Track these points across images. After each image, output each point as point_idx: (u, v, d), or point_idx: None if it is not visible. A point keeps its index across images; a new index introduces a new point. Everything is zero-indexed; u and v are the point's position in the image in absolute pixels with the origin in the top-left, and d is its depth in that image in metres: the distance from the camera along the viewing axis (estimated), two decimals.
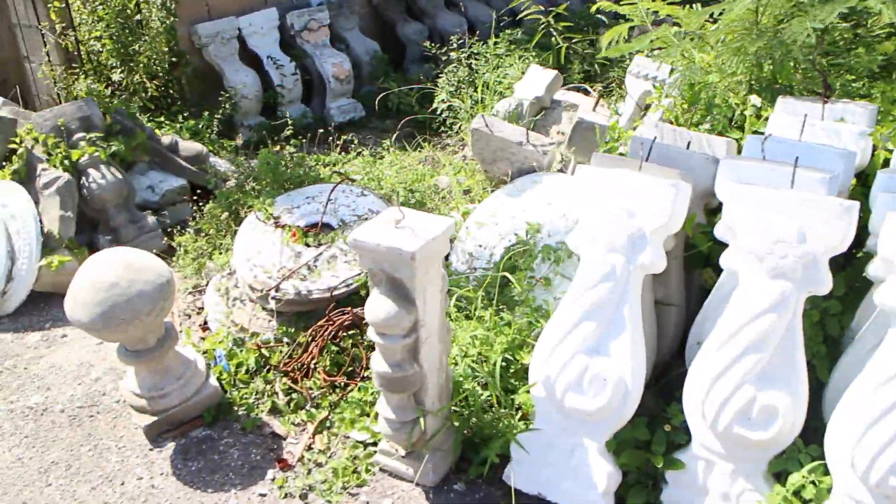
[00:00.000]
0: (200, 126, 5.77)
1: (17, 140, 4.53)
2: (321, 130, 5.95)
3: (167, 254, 4.68)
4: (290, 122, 6.32)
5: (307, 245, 3.83)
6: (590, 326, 2.81)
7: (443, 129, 6.09)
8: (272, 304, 3.63)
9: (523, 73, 5.67)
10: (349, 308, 3.60)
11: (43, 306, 4.41)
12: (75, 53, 5.84)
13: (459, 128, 5.83)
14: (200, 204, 4.70)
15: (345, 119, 6.63)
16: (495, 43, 6.29)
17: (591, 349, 2.82)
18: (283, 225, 3.92)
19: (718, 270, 3.11)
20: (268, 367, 3.60)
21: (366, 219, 3.93)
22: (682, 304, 3.31)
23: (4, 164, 4.63)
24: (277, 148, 4.64)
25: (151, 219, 4.74)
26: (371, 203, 4.05)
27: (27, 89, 5.68)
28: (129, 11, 5.94)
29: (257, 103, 6.38)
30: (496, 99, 5.56)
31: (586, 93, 5.76)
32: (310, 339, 3.59)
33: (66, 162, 4.54)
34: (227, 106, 6.04)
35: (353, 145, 5.94)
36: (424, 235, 2.61)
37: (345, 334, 3.57)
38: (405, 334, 2.74)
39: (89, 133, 4.69)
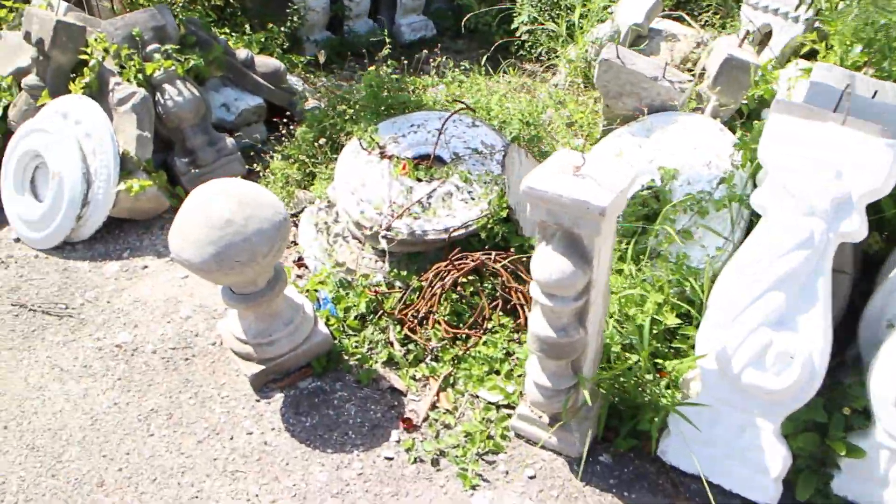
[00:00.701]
0: (269, 40, 5.26)
1: (88, 51, 4.07)
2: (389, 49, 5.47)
3: (248, 179, 4.27)
4: (360, 37, 5.88)
5: (419, 180, 3.43)
6: (778, 298, 2.44)
7: (522, 53, 5.61)
8: (383, 244, 3.25)
9: None
10: (472, 252, 3.22)
11: (118, 233, 4.04)
12: None
13: (546, 53, 5.35)
14: (286, 126, 4.27)
15: (415, 37, 6.12)
16: None
17: (776, 322, 2.45)
18: (389, 155, 3.51)
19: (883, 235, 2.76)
20: (380, 314, 3.24)
21: (480, 152, 3.52)
22: (852, 272, 2.94)
23: (73, 75, 4.18)
24: (373, 68, 4.15)
25: (230, 140, 4.32)
26: (484, 135, 3.63)
27: None
28: None
29: (324, 16, 5.86)
30: (591, 25, 5.06)
31: (684, 22, 5.25)
32: (426, 284, 3.23)
33: (140, 76, 4.09)
34: (295, 19, 5.52)
35: (426, 66, 5.46)
36: (611, 187, 2.21)
37: (465, 280, 3.20)
38: (577, 296, 2.38)
39: (163, 44, 4.22)
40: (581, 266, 2.30)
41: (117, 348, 3.33)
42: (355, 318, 3.25)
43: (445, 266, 3.20)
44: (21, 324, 3.54)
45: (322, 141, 3.84)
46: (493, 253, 3.22)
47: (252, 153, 4.52)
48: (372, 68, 4.14)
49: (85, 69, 4.04)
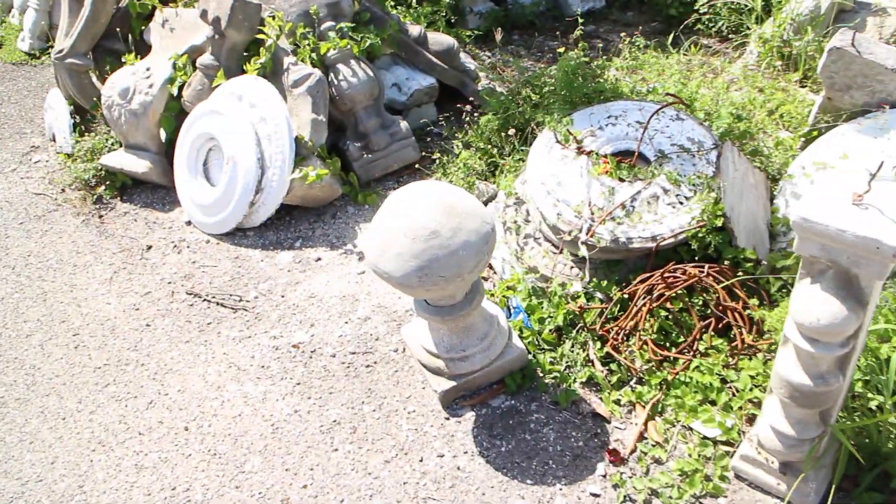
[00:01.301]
0: (434, 13, 4.96)
1: (265, 29, 3.89)
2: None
3: (421, 166, 4.04)
4: (524, 8, 5.52)
5: (621, 180, 3.08)
6: None
7: (700, 27, 5.12)
8: (584, 251, 2.94)
9: None
10: (681, 265, 2.88)
11: (289, 220, 3.89)
12: None
13: (729, 29, 4.85)
14: (469, 112, 3.99)
15: (584, 8, 5.68)
16: None
17: None
18: (587, 151, 3.17)
19: None
20: (578, 327, 2.94)
21: (688, 150, 3.14)
22: None
23: (247, 54, 4.01)
24: (564, 51, 3.80)
25: (404, 124, 4.07)
26: (690, 130, 3.24)
27: None
28: None
29: None
30: None
31: None
32: (629, 298, 2.90)
33: (314, 56, 3.88)
34: None
35: (593, 41, 5.08)
36: None
37: (673, 294, 2.86)
38: (843, 343, 2.01)
39: (338, 22, 4.00)
40: (855, 310, 1.93)
41: (294, 349, 3.18)
42: (551, 331, 2.97)
43: (659, 280, 2.86)
44: (197, 315, 3.44)
45: (511, 132, 3.54)
46: (706, 266, 2.86)
47: (426, 137, 4.27)
48: (562, 50, 3.79)
49: (261, 49, 3.87)
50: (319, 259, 3.64)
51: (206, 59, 4.00)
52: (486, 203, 3.66)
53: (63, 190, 4.44)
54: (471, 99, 4.37)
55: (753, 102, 3.60)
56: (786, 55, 4.32)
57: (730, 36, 4.87)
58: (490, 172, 3.75)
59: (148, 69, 4.17)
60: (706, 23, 5.05)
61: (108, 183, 4.32)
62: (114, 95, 4.17)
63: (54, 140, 4.87)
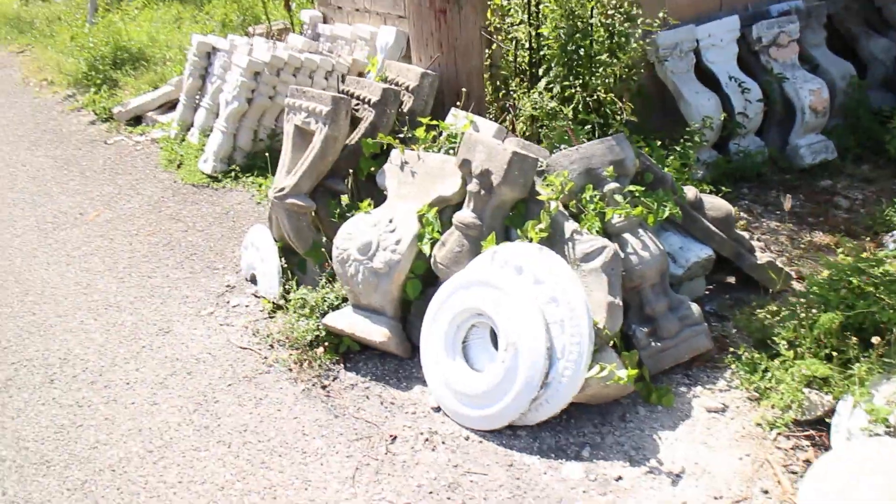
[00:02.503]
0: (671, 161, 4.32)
1: (544, 188, 3.25)
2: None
3: (712, 360, 3.31)
4: (750, 158, 4.88)
5: None
6: None
7: None
8: None
9: None
10: None
11: (568, 420, 3.15)
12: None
13: None
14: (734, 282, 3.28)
15: (815, 161, 5.03)
16: None
17: None
18: None
19: None
20: None
21: None
22: None
23: (510, 213, 3.37)
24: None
25: (695, 307, 3.37)
26: None
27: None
28: (578, 13, 4.56)
29: (716, 134, 4.90)
30: None
31: None
32: None
33: (598, 223, 3.22)
34: (692, 137, 4.57)
35: (835, 199, 4.40)
36: None
37: None
38: None
39: (621, 182, 3.35)
40: None
41: None
42: None
43: None
44: None
45: (875, 339, 2.79)
46: None
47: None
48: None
49: (542, 212, 3.22)
50: (620, 478, 2.87)
51: (466, 216, 3.36)
52: (816, 419, 2.90)
53: (272, 346, 3.77)
54: (747, 273, 3.67)
55: None
56: None
57: None
58: (821, 380, 2.99)
59: (391, 221, 3.54)
60: None
61: (326, 345, 3.64)
62: (351, 249, 3.54)
63: (253, 282, 4.25)
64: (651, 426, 3.11)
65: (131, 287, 4.40)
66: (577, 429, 3.11)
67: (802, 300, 3.22)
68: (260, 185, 5.33)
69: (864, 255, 3.20)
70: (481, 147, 3.36)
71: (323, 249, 3.93)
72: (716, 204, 3.73)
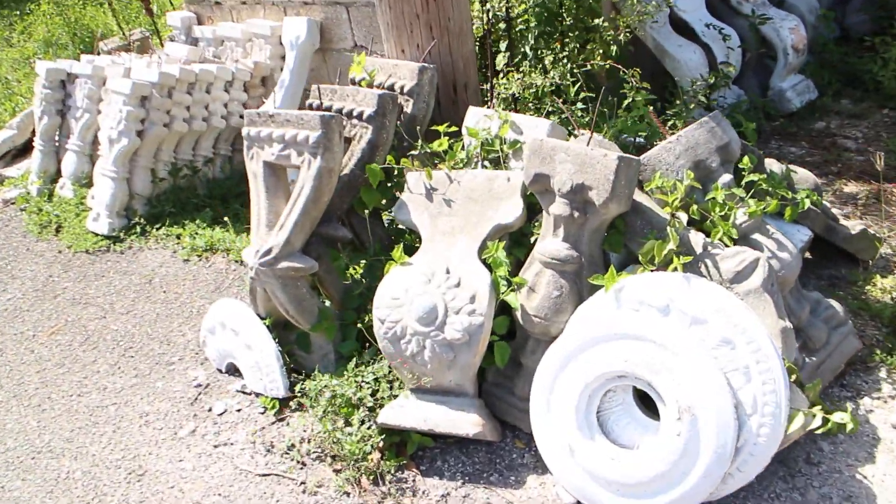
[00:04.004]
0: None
1: (666, 197, 2.48)
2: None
3: (861, 361, 2.73)
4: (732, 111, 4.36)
5: None
6: None
7: None
8: None
9: None
10: None
11: (751, 483, 2.42)
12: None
13: None
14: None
15: (802, 103, 4.58)
16: None
17: None
18: None
19: None
20: None
21: None
22: None
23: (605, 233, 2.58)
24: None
25: (835, 303, 2.75)
26: None
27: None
28: None
29: (702, 89, 4.31)
30: None
31: None
32: None
33: (733, 229, 2.50)
34: (695, 96, 3.98)
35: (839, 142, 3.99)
36: None
37: None
38: None
39: (726, 170, 2.65)
40: None
41: None
42: None
43: None
44: None
45: None
46: None
47: None
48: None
49: (668, 229, 2.44)
50: None
51: (558, 249, 2.52)
52: None
53: (302, 463, 2.76)
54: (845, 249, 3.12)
55: None
56: None
57: None
58: None
59: (448, 272, 2.63)
60: None
61: (381, 445, 2.69)
62: (406, 320, 2.59)
63: (231, 372, 3.20)
64: (846, 463, 2.46)
65: (57, 417, 3.17)
66: (766, 490, 2.40)
67: None
68: (178, 237, 4.15)
69: None
70: (564, 156, 2.51)
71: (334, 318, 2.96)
72: (802, 175, 3.12)
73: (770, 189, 2.67)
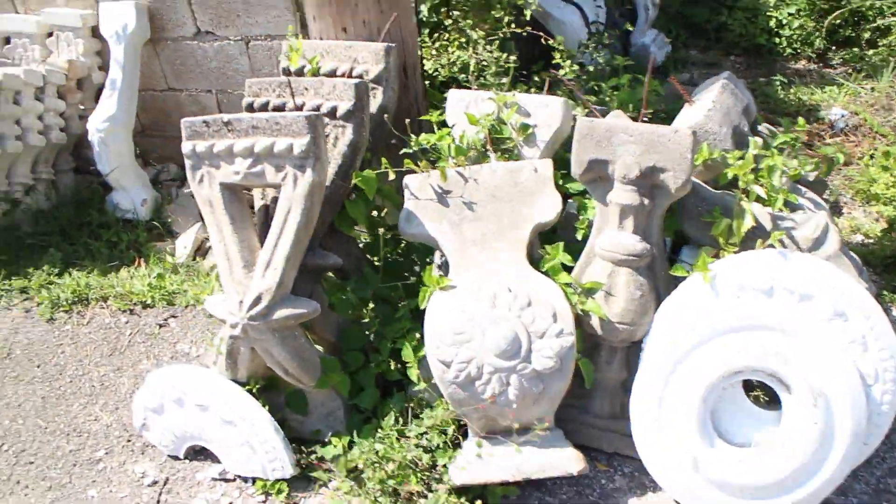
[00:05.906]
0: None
1: (738, 172, 2.25)
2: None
3: None
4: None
5: None
6: None
7: (790, 51, 4.51)
8: None
9: None
10: None
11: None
12: None
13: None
14: None
15: (664, 57, 4.63)
16: None
17: None
18: None
19: None
20: None
21: None
22: None
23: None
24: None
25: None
26: None
27: None
28: None
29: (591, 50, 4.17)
30: None
31: None
32: None
33: (790, 195, 2.36)
34: (583, 58, 3.85)
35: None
36: None
37: None
38: None
39: (755, 133, 2.51)
40: None
41: None
42: None
43: None
44: None
45: None
46: None
47: None
48: None
49: (742, 206, 2.22)
50: None
51: (631, 243, 2.19)
52: None
53: None
54: None
55: None
56: None
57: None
58: None
59: (511, 290, 2.19)
60: (794, 45, 4.47)
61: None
62: (481, 357, 2.10)
63: (190, 458, 2.48)
64: None
65: None
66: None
67: None
68: (23, 291, 3.15)
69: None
70: (624, 136, 2.17)
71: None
72: None
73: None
